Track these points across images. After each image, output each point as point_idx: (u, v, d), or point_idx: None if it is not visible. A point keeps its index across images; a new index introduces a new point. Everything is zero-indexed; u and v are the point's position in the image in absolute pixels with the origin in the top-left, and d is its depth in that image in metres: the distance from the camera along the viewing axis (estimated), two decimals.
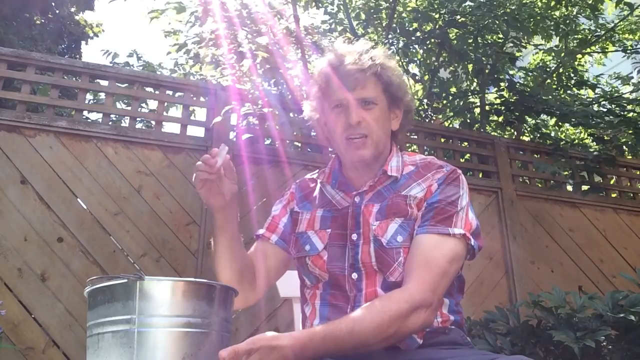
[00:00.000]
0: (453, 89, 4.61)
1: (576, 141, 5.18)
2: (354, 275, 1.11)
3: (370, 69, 1.14)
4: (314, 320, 1.16)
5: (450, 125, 4.76)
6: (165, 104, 3.14)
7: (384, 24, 4.41)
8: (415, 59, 4.74)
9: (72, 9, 8.53)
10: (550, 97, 3.92)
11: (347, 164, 1.22)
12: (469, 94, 4.61)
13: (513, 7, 4.05)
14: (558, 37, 4.62)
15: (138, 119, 3.08)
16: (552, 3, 4.43)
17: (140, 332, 0.84)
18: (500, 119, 4.30)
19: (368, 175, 1.19)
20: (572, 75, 4.79)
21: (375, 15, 4.43)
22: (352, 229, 1.15)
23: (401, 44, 4.06)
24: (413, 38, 4.11)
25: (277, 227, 1.28)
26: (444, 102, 4.61)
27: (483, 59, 4.02)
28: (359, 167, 1.19)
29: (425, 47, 4.37)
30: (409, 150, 3.40)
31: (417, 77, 4.69)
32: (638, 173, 4.00)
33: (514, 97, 4.03)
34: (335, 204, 1.21)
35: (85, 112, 3.43)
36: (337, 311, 1.11)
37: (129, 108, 3.08)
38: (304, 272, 1.21)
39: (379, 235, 1.11)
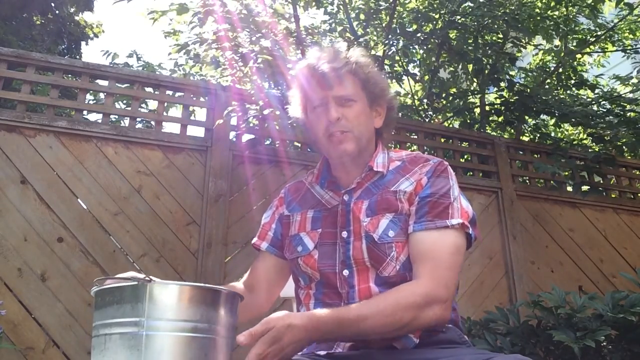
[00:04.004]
0: (453, 89, 4.61)
1: (576, 141, 5.18)
2: (345, 272, 1.12)
3: (345, 66, 1.16)
4: None
5: (450, 125, 4.77)
6: (165, 104, 3.14)
7: (384, 25, 4.41)
8: (415, 59, 4.74)
9: (72, 10, 8.53)
10: (550, 97, 3.92)
11: (333, 162, 1.24)
12: (469, 94, 4.61)
13: (513, 7, 4.05)
14: (558, 37, 4.62)
15: (138, 119, 3.08)
16: (552, 3, 4.43)
17: (149, 335, 0.84)
18: (500, 119, 4.30)
19: (355, 173, 1.20)
20: (571, 75, 4.79)
21: (375, 16, 4.43)
22: (342, 227, 1.16)
23: (401, 44, 4.05)
24: (413, 39, 4.11)
25: (267, 234, 1.30)
26: (444, 102, 4.61)
27: (483, 59, 4.02)
28: (345, 163, 1.20)
29: (425, 47, 4.37)
30: (409, 150, 3.40)
31: (417, 77, 4.69)
32: (638, 173, 4.00)
33: (514, 97, 4.03)
34: (324, 204, 1.22)
35: (85, 112, 3.43)
36: None
37: (129, 108, 3.08)
38: (297, 273, 1.23)
39: (370, 231, 1.12)
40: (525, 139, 4.64)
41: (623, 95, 4.48)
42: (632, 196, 3.88)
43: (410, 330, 1.03)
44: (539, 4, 4.46)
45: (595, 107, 4.17)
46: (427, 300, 1.01)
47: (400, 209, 1.13)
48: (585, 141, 5.03)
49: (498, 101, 4.43)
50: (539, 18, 4.24)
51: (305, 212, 1.24)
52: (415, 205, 1.12)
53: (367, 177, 1.20)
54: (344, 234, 1.15)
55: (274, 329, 0.89)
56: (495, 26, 4.04)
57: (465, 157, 3.83)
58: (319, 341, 0.96)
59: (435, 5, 4.32)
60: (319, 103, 1.18)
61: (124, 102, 4.37)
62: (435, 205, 1.11)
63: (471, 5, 4.14)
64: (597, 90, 4.59)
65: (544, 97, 3.85)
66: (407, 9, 4.54)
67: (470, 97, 4.67)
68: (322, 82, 1.16)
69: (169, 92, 3.10)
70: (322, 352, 1.10)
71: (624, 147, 3.88)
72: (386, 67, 4.36)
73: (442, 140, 3.61)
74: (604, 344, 2.07)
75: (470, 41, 4.14)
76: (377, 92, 1.21)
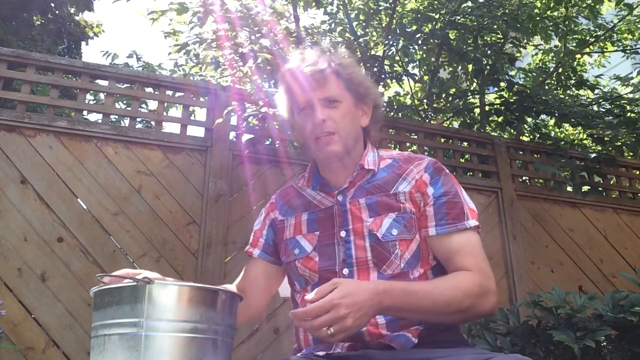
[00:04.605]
0: (453, 89, 4.61)
1: (576, 142, 5.18)
2: (345, 271, 1.13)
3: (328, 68, 1.17)
4: None
5: (450, 126, 4.77)
6: (165, 104, 3.14)
7: (383, 25, 4.40)
8: (415, 59, 4.74)
9: (72, 10, 8.53)
10: (549, 97, 3.92)
11: (322, 163, 1.24)
12: (469, 94, 4.61)
13: (512, 8, 4.05)
14: (557, 38, 4.62)
15: (138, 119, 3.07)
16: (552, 4, 4.43)
17: (148, 335, 0.84)
18: (500, 119, 4.30)
19: (345, 173, 1.21)
20: (571, 75, 4.79)
21: (374, 16, 4.43)
22: (341, 226, 1.16)
23: (401, 44, 4.05)
24: (413, 39, 4.11)
25: (259, 241, 1.31)
26: (444, 102, 4.61)
27: (483, 59, 4.02)
28: (333, 164, 1.21)
29: (425, 48, 4.37)
30: (409, 150, 3.40)
31: (417, 77, 4.69)
32: (638, 173, 4.00)
33: (514, 98, 4.03)
34: (317, 205, 1.23)
35: (85, 112, 3.43)
36: None
37: (129, 108, 3.08)
38: (293, 276, 1.23)
39: (373, 230, 1.12)
40: (525, 139, 4.64)
41: (623, 96, 4.47)
42: (632, 196, 3.88)
43: (466, 318, 1.08)
44: (539, 4, 4.46)
45: (595, 108, 4.16)
46: (482, 289, 1.06)
47: (402, 208, 1.14)
48: (585, 141, 5.03)
49: (498, 101, 4.43)
50: (538, 18, 4.23)
51: (299, 215, 1.24)
52: (431, 205, 1.14)
53: (359, 176, 1.20)
54: (343, 233, 1.15)
55: (344, 284, 0.92)
56: (495, 26, 4.03)
57: (465, 157, 3.82)
58: (388, 310, 0.98)
59: (435, 6, 4.32)
60: (304, 105, 1.19)
61: (124, 102, 4.36)
62: (452, 205, 1.13)
63: (471, 5, 4.14)
64: (597, 91, 4.59)
65: (543, 98, 3.84)
66: (407, 9, 4.54)
67: (470, 97, 4.67)
68: (306, 84, 1.17)
69: (169, 92, 3.10)
70: (321, 353, 1.10)
71: (623, 147, 3.88)
72: (386, 67, 4.36)
73: (442, 140, 3.61)
74: (604, 344, 2.07)
75: (470, 41, 4.14)
76: (361, 91, 1.22)
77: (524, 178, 3.67)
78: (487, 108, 4.49)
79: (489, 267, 1.11)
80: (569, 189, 3.70)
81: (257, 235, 1.32)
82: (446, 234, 1.12)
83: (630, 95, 4.60)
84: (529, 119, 4.56)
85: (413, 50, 4.49)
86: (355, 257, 1.12)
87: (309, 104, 1.18)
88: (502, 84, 4.17)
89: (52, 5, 8.16)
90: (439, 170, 1.19)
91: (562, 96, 4.41)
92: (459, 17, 4.13)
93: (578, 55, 5.00)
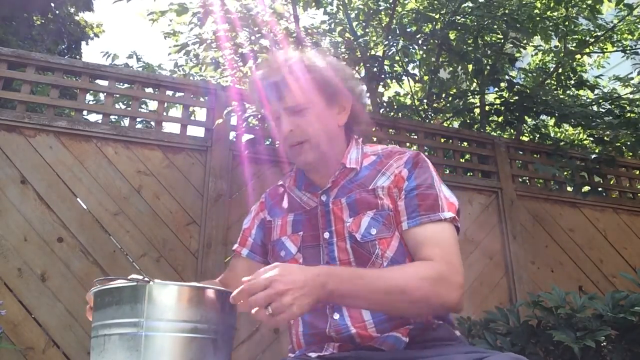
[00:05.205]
0: (453, 90, 4.61)
1: (575, 142, 5.18)
2: None
3: (290, 75, 1.14)
4: (298, 327, 1.16)
5: (450, 125, 4.76)
6: (165, 104, 3.14)
7: (383, 25, 4.40)
8: (415, 59, 4.74)
9: (72, 10, 8.54)
10: (549, 97, 3.92)
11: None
12: (469, 94, 4.61)
13: (512, 8, 4.05)
14: (557, 38, 4.62)
15: (138, 119, 3.07)
16: (552, 4, 4.43)
17: (148, 335, 0.84)
18: (500, 119, 4.30)
19: (328, 173, 1.20)
20: (571, 75, 4.78)
21: (374, 16, 4.43)
22: (324, 228, 1.15)
23: (401, 44, 4.05)
24: (413, 39, 4.10)
25: (247, 240, 1.31)
26: (443, 102, 4.61)
27: (483, 59, 4.02)
28: (310, 169, 1.21)
29: (425, 48, 4.37)
30: (410, 149, 3.40)
31: (417, 78, 4.69)
32: (638, 173, 4.00)
33: (514, 98, 4.03)
34: (303, 206, 1.22)
35: (85, 112, 3.43)
36: (317, 313, 1.11)
37: (129, 108, 3.08)
38: None
39: (353, 231, 1.11)
40: (525, 139, 4.64)
41: (623, 96, 4.47)
42: (632, 196, 3.88)
43: (426, 308, 1.01)
44: (539, 4, 4.46)
45: (595, 108, 4.16)
46: (442, 278, 0.99)
47: (380, 205, 1.12)
48: (585, 142, 5.03)
49: (498, 101, 4.43)
50: (538, 19, 4.23)
51: (285, 216, 1.24)
52: (403, 199, 1.11)
53: (342, 175, 1.19)
54: (326, 234, 1.15)
55: (285, 265, 0.88)
56: (495, 26, 4.03)
57: (465, 157, 3.82)
58: (334, 295, 0.90)
59: (435, 6, 4.32)
60: (274, 116, 1.17)
61: (124, 102, 4.37)
62: (425, 197, 1.10)
63: (471, 5, 4.14)
64: (597, 91, 4.59)
65: (543, 98, 3.84)
66: (407, 9, 4.54)
67: (470, 97, 4.66)
68: (270, 95, 1.15)
69: (169, 92, 3.10)
70: (314, 354, 1.09)
71: (623, 147, 3.88)
72: (386, 67, 4.36)
73: (442, 140, 3.61)
74: (604, 344, 2.07)
75: (470, 41, 4.14)
76: (332, 90, 1.17)
77: (524, 178, 3.67)
78: (487, 108, 4.49)
79: (458, 261, 1.04)
80: (569, 189, 3.70)
81: (246, 234, 1.32)
82: (417, 225, 1.08)
83: (630, 96, 4.60)
84: (529, 119, 4.56)
85: (413, 51, 4.49)
86: (339, 259, 1.11)
87: (276, 115, 1.16)
88: (502, 84, 4.16)
89: (52, 5, 8.17)
90: (417, 163, 1.16)
91: (562, 96, 4.41)
92: (459, 17, 4.13)
93: (578, 56, 4.99)
